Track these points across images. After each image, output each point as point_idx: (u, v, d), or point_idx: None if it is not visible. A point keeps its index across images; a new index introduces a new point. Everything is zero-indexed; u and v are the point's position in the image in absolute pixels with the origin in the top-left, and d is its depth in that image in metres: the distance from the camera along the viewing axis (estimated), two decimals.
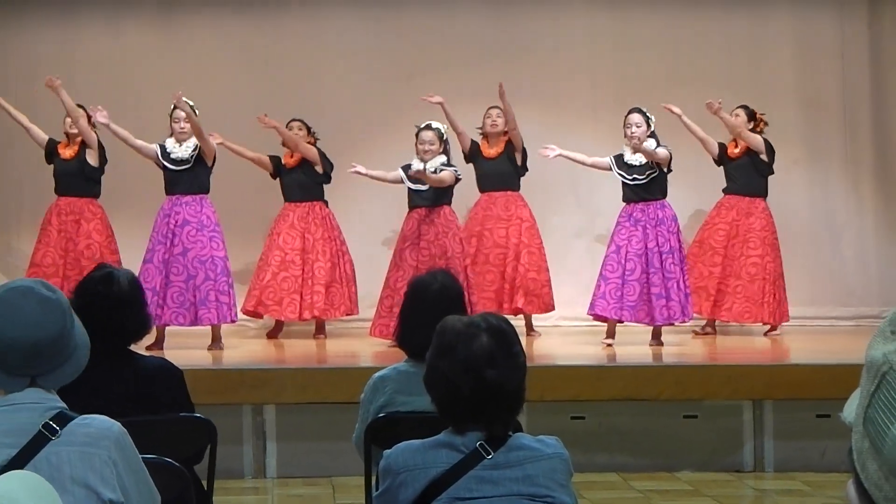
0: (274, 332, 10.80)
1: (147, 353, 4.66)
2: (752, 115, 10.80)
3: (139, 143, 9.95)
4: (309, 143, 10.66)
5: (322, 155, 10.62)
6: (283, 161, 10.66)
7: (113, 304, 4.29)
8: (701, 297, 10.67)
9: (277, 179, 10.74)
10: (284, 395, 8.31)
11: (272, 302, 10.41)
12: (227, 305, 9.75)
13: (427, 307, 4.59)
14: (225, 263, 9.78)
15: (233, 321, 9.98)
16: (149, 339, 9.42)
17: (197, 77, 11.21)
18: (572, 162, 10.46)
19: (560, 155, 10.36)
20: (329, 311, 10.61)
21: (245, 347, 10.02)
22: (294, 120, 10.69)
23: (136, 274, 9.27)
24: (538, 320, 10.97)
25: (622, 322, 9.98)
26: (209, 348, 9.73)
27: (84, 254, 10.21)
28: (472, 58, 11.70)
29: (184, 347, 9.47)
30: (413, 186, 10.08)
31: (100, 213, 10.36)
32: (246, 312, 10.51)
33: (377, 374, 4.74)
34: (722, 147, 10.77)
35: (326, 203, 10.68)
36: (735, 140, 10.75)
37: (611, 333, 10.02)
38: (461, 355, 3.20)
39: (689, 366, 9.07)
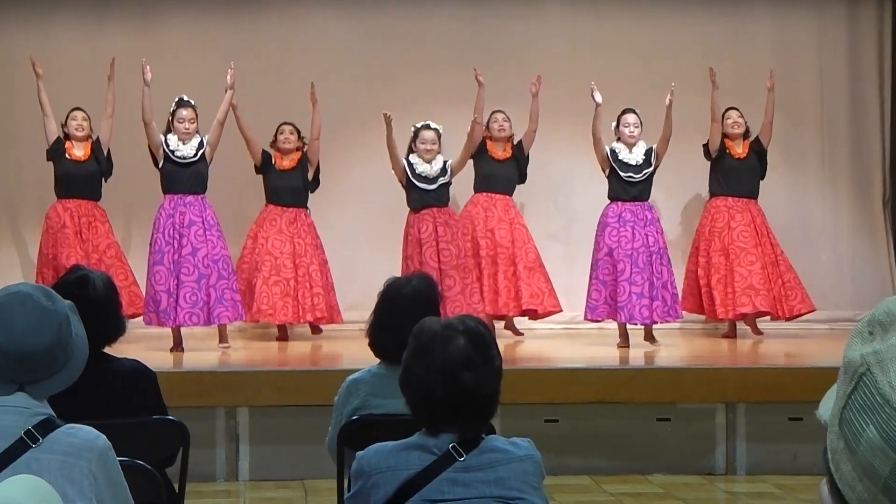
0: (283, 336, 10.72)
1: (122, 357, 4.63)
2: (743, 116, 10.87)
3: (154, 125, 9.79)
4: (297, 147, 10.57)
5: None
6: (274, 161, 10.51)
7: (88, 306, 4.27)
8: (750, 296, 10.64)
9: (261, 176, 10.58)
10: (258, 398, 8.29)
11: (267, 306, 10.34)
12: (240, 303, 9.79)
13: (398, 310, 4.58)
14: (231, 262, 9.83)
15: (243, 319, 10.03)
16: (169, 341, 9.55)
17: (176, 78, 11.15)
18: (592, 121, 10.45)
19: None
20: (331, 315, 10.52)
21: (217, 350, 9.94)
22: (285, 123, 10.58)
23: (148, 275, 9.35)
24: (518, 323, 10.97)
25: (616, 322, 10.01)
26: (221, 347, 9.69)
27: (106, 253, 10.22)
28: (452, 60, 11.69)
29: (160, 349, 9.43)
30: (422, 186, 10.08)
31: (105, 215, 10.32)
32: (250, 320, 10.46)
33: (351, 377, 4.73)
34: (721, 144, 10.78)
35: (309, 212, 10.64)
36: (729, 137, 10.76)
37: (625, 338, 10.03)
38: (437, 357, 3.20)
39: (662, 369, 9.09)
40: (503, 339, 10.69)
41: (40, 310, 3.00)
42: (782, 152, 11.30)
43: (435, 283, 4.96)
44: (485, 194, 10.66)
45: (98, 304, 4.34)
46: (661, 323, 10.07)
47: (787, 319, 10.92)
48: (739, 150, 10.80)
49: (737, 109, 10.85)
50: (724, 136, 10.81)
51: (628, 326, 10.00)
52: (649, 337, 10.04)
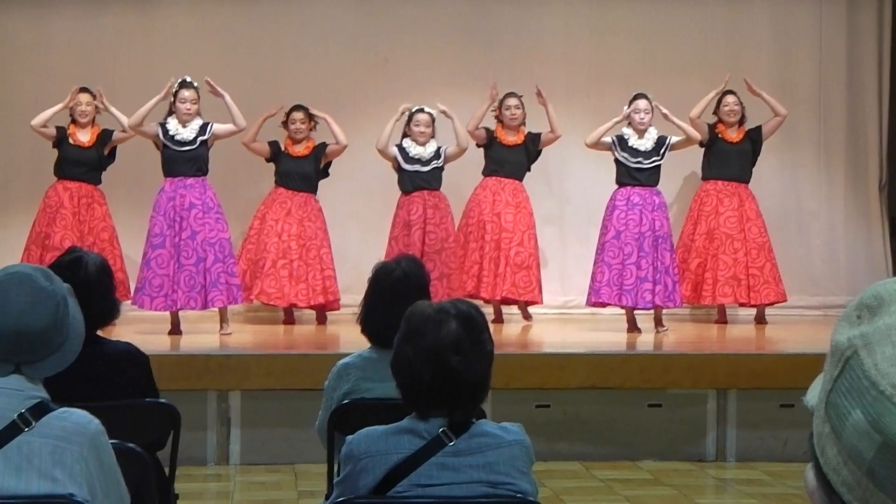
0: (289, 319, 10.72)
1: (114, 339, 4.63)
2: (741, 101, 10.84)
3: (145, 127, 9.75)
4: (310, 129, 10.56)
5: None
6: (284, 147, 10.48)
7: (80, 288, 4.26)
8: (733, 287, 10.66)
9: (272, 163, 10.56)
10: (249, 382, 8.29)
11: (274, 290, 10.34)
12: (236, 287, 9.75)
13: (388, 294, 4.58)
14: (230, 245, 9.78)
15: (239, 302, 10.00)
16: (165, 324, 9.55)
17: (174, 61, 11.13)
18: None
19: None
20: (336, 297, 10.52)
21: (213, 333, 9.93)
22: (296, 109, 10.52)
23: (148, 258, 9.32)
24: (509, 308, 10.97)
25: (620, 306, 10.02)
26: (221, 333, 9.69)
27: (100, 236, 10.24)
28: (448, 43, 11.69)
29: (155, 332, 9.43)
30: (411, 168, 10.10)
31: (104, 198, 10.34)
32: (248, 300, 10.45)
33: (341, 361, 4.73)
34: (711, 130, 10.77)
35: (317, 197, 10.61)
36: (724, 123, 10.75)
37: (632, 324, 10.05)
38: (428, 341, 3.20)
39: (653, 354, 9.11)
40: (513, 323, 10.71)
41: (38, 290, 3.01)
42: (778, 136, 11.28)
43: (422, 265, 4.96)
44: (494, 178, 10.64)
45: (91, 286, 4.33)
46: (662, 308, 10.08)
47: (753, 306, 10.92)
48: (733, 135, 10.80)
49: (734, 94, 10.82)
50: (719, 120, 10.80)
51: (595, 312, 10.05)
52: (658, 322, 10.05)
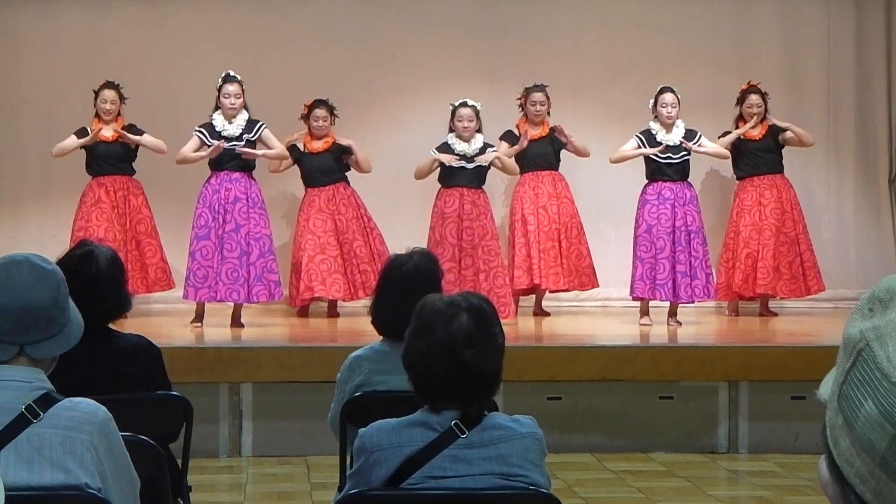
0: (333, 312, 10.74)
1: (126, 332, 4.63)
2: (764, 99, 10.83)
3: (194, 155, 9.67)
4: (331, 123, 10.53)
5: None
6: (304, 147, 10.45)
7: (91, 282, 4.29)
8: (773, 279, 10.68)
9: (296, 165, 10.55)
10: (261, 374, 8.31)
11: (317, 282, 10.34)
12: (276, 283, 9.76)
13: (399, 287, 4.59)
14: (272, 242, 9.80)
15: (278, 299, 10.01)
16: (190, 314, 9.60)
17: (182, 56, 11.17)
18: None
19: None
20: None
21: (225, 326, 9.94)
22: (318, 106, 10.48)
23: (193, 250, 9.37)
24: (526, 301, 10.98)
25: (655, 300, 10.04)
26: (233, 326, 9.72)
27: (138, 228, 10.29)
28: (456, 37, 11.68)
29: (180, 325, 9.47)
30: (457, 165, 10.04)
31: (141, 188, 10.34)
32: (297, 303, 10.49)
33: (353, 354, 4.74)
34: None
35: (349, 182, 10.60)
36: (746, 121, 10.74)
37: (645, 313, 10.07)
38: (440, 335, 3.20)
39: (665, 347, 9.10)
40: (526, 317, 10.71)
41: (38, 269, 3.06)
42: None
43: (436, 258, 4.96)
44: (531, 174, 10.60)
45: (102, 279, 4.34)
46: (696, 302, 10.09)
47: (799, 298, 10.99)
48: (755, 132, 10.80)
49: (757, 94, 10.80)
50: (741, 118, 10.81)
51: (650, 303, 10.04)
52: (672, 314, 10.05)
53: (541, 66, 11.36)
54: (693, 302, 10.05)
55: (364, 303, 10.15)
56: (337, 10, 11.73)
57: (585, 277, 10.69)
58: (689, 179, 10.13)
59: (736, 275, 10.71)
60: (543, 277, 10.47)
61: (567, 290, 10.77)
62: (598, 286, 10.83)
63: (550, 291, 10.69)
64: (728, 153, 10.48)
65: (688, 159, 10.09)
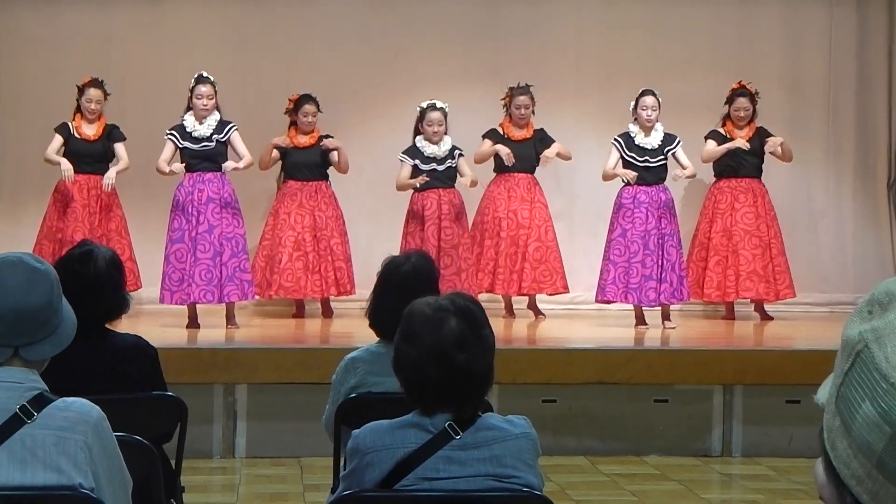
0: (300, 313, 10.74)
1: (123, 332, 4.63)
2: (753, 100, 10.80)
3: (168, 168, 9.71)
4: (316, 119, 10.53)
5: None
6: (290, 141, 10.45)
7: (89, 282, 4.29)
8: (754, 282, 10.67)
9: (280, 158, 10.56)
10: (256, 375, 8.30)
11: (290, 283, 10.35)
12: (249, 283, 9.77)
13: (396, 288, 4.58)
14: (245, 241, 9.79)
15: (250, 298, 10.02)
16: (183, 318, 9.57)
17: (184, 55, 11.15)
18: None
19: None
20: (350, 287, 10.53)
21: (220, 327, 9.93)
22: (308, 103, 10.46)
23: (167, 253, 9.36)
24: (520, 302, 10.98)
25: (627, 304, 10.05)
26: (230, 327, 9.71)
27: (108, 226, 10.25)
28: (459, 38, 11.68)
29: (172, 326, 9.45)
30: (427, 168, 10.04)
31: (113, 187, 10.29)
32: (267, 296, 10.48)
33: (349, 356, 4.74)
34: (720, 136, 10.73)
35: (330, 182, 10.61)
36: (734, 122, 10.72)
37: (640, 319, 10.07)
38: (430, 340, 3.19)
39: (660, 350, 9.11)
40: (524, 318, 10.71)
41: (31, 270, 3.05)
42: (787, 133, 11.27)
43: (433, 260, 4.96)
44: (506, 174, 10.58)
45: (100, 280, 4.35)
46: (667, 305, 10.08)
47: (772, 302, 10.95)
48: (742, 134, 10.77)
49: (745, 97, 10.79)
50: (728, 119, 10.79)
51: (603, 308, 10.08)
52: (665, 317, 10.06)
53: (543, 67, 11.37)
54: (658, 306, 10.02)
55: (359, 304, 10.20)
56: (339, 11, 11.72)
57: (553, 281, 10.62)
58: (665, 183, 10.12)
59: (707, 283, 10.66)
60: (504, 282, 10.45)
61: (530, 294, 10.73)
62: (567, 291, 10.79)
63: (507, 297, 10.64)
64: (695, 173, 10.36)
65: (665, 164, 10.09)
